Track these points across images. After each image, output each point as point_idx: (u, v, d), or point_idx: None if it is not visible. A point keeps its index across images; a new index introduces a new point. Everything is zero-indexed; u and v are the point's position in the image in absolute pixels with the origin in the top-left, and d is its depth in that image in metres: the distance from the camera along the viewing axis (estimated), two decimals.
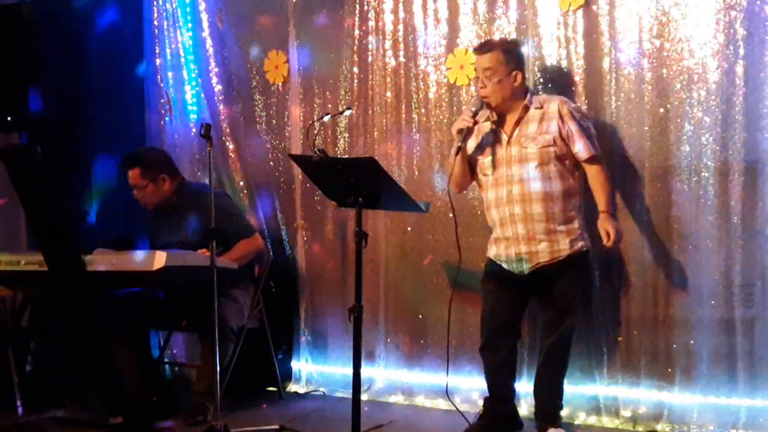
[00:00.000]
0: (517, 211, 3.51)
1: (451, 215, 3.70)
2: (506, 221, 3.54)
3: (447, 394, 3.77)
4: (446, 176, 3.70)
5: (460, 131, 3.52)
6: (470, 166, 3.69)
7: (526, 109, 3.55)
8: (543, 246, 3.49)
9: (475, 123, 3.54)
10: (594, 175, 3.54)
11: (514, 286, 3.60)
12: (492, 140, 3.61)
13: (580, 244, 3.52)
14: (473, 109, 3.54)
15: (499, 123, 3.60)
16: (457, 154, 3.53)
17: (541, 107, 3.55)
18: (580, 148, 3.50)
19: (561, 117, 3.51)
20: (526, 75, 3.96)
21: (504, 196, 3.54)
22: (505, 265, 3.59)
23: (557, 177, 3.50)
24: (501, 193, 3.55)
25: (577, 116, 3.54)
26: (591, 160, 3.52)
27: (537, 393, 3.65)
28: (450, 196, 3.63)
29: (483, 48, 3.58)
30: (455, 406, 3.78)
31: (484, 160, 3.62)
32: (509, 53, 3.54)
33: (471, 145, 3.63)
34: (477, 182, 3.75)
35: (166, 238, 4.21)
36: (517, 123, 3.55)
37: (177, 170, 4.35)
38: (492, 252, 3.65)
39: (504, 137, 3.57)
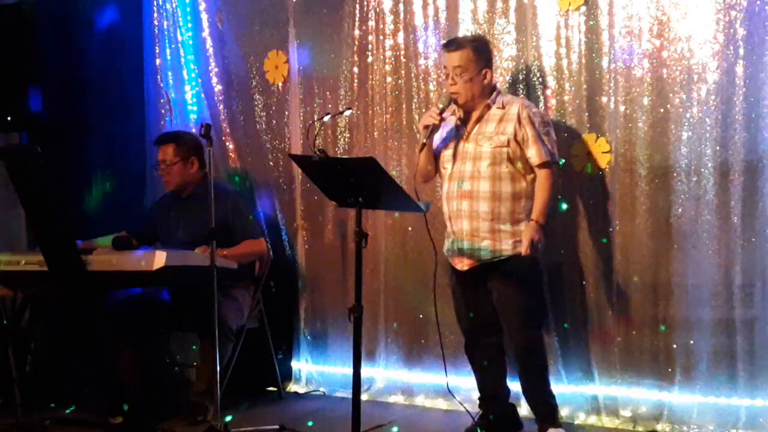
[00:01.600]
0: (464, 207, 3.52)
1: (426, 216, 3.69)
2: (454, 216, 3.57)
3: (449, 391, 3.77)
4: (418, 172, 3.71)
5: (426, 127, 3.53)
6: (435, 159, 3.70)
7: (488, 108, 3.56)
8: (485, 244, 3.50)
9: (442, 120, 3.55)
10: (539, 181, 3.52)
11: (474, 283, 3.60)
12: (454, 135, 3.63)
13: None
14: (440, 105, 3.56)
15: (464, 119, 3.62)
16: (421, 150, 3.55)
17: (503, 108, 3.56)
18: (533, 153, 3.50)
19: (519, 120, 3.51)
20: (526, 74, 3.98)
21: (454, 191, 3.56)
22: (450, 260, 3.62)
23: (507, 178, 3.50)
24: (453, 187, 3.57)
25: (536, 121, 3.53)
26: (541, 166, 3.52)
27: (527, 397, 3.66)
28: (417, 192, 3.61)
29: (452, 45, 3.57)
30: (461, 404, 3.77)
31: (445, 154, 3.64)
32: (479, 51, 3.54)
33: (436, 138, 3.64)
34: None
35: (183, 229, 4.24)
36: (478, 120, 3.57)
37: (206, 161, 4.36)
38: (445, 247, 3.68)
39: (464, 133, 3.59)
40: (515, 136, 3.50)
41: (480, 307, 3.63)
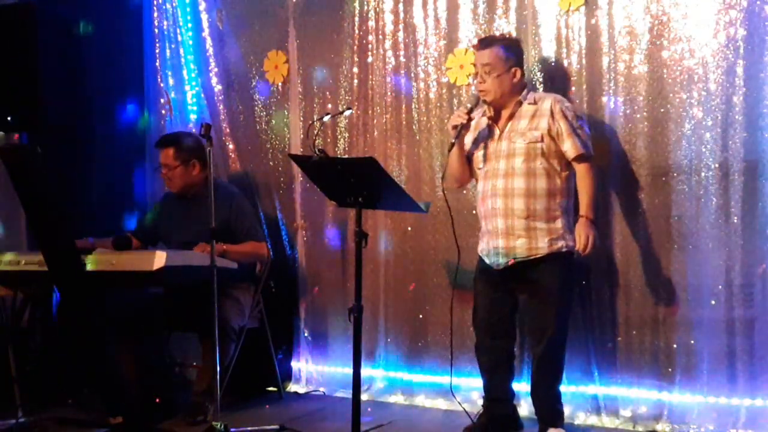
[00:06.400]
0: (498, 205, 3.52)
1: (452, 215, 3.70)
2: (489, 214, 3.56)
3: (451, 391, 3.77)
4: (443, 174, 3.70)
5: (455, 127, 3.54)
6: (468, 161, 3.71)
7: (519, 104, 3.56)
8: (521, 242, 3.49)
9: (470, 119, 3.55)
10: (580, 175, 3.52)
11: (499, 284, 3.59)
12: (486, 135, 3.63)
13: (560, 243, 3.50)
14: (468, 105, 3.56)
15: (495, 118, 3.62)
16: (450, 150, 3.54)
17: (535, 103, 3.56)
18: (569, 146, 3.50)
19: (552, 115, 3.51)
20: (526, 74, 3.98)
21: (489, 190, 3.55)
22: (486, 260, 3.60)
23: (543, 174, 3.49)
24: (487, 186, 3.57)
25: (569, 115, 3.53)
26: (579, 159, 3.50)
27: (534, 400, 3.64)
28: (445, 194, 3.64)
29: (483, 43, 3.59)
30: (460, 405, 3.76)
31: (478, 154, 3.64)
32: (509, 50, 3.56)
33: (468, 139, 3.65)
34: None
35: (186, 229, 4.23)
36: (510, 118, 3.57)
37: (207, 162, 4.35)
38: (480, 246, 3.67)
39: (496, 132, 3.59)
40: (549, 131, 3.50)
41: (499, 308, 3.63)
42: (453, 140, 3.52)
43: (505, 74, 3.52)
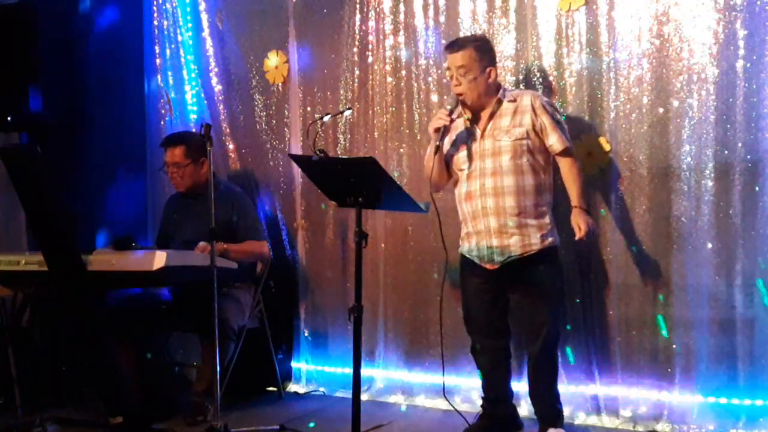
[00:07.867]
0: (489, 204, 3.50)
1: (451, 215, 3.71)
2: (478, 214, 3.54)
3: (444, 393, 3.77)
4: (426, 176, 3.67)
5: (437, 130, 3.50)
6: (446, 165, 3.69)
7: (500, 102, 3.55)
8: (514, 240, 3.48)
9: (452, 121, 3.53)
10: (567, 168, 3.52)
11: (489, 284, 3.58)
12: (466, 136, 3.61)
13: (550, 239, 3.51)
14: (449, 107, 3.53)
15: (473, 119, 3.61)
16: (436, 153, 3.52)
17: (514, 101, 3.55)
18: (554, 140, 3.49)
19: (534, 110, 3.50)
20: (526, 74, 3.98)
21: (477, 189, 3.53)
22: (476, 260, 3.58)
23: (530, 171, 3.49)
24: (474, 186, 3.55)
25: (550, 110, 3.54)
26: (564, 153, 3.51)
27: (533, 400, 3.64)
28: (432, 196, 3.62)
29: (455, 46, 3.55)
30: (454, 408, 3.78)
31: (459, 155, 3.61)
32: (482, 50, 3.53)
33: (446, 142, 3.61)
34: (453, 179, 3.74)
35: (188, 228, 4.24)
36: (491, 117, 3.55)
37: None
38: (464, 248, 3.65)
39: (478, 132, 3.58)
40: (533, 126, 3.49)
41: (493, 307, 3.62)
42: (437, 143, 3.50)
43: (481, 75, 3.50)
